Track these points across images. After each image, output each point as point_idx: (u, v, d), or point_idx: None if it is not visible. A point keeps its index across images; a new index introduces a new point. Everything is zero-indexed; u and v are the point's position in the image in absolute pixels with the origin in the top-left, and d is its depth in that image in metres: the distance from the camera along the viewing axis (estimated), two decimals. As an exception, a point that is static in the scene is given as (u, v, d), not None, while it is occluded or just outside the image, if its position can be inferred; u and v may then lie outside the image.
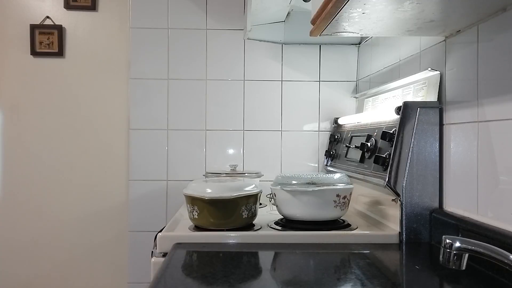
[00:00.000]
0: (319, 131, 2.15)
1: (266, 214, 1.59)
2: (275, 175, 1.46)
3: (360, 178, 1.52)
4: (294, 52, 2.14)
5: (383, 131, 1.33)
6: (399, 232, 1.26)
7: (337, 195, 1.35)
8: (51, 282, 2.37)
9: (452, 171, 1.21)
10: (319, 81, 2.15)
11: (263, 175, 1.89)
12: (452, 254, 0.75)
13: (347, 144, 1.72)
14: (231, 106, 2.14)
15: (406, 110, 1.28)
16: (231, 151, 2.14)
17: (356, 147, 1.56)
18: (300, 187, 1.34)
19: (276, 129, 2.14)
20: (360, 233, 1.32)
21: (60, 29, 2.36)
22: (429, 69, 1.31)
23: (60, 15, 2.37)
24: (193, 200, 1.32)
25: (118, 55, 2.38)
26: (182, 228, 1.38)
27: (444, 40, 1.28)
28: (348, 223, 1.42)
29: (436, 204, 1.26)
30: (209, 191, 1.31)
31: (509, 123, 0.98)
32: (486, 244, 0.73)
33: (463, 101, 1.17)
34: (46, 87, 2.38)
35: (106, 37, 2.39)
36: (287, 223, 1.40)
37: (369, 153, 1.46)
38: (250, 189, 1.35)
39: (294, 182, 1.37)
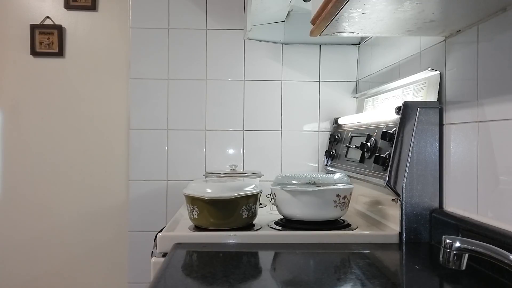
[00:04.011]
0: (319, 131, 2.15)
1: (266, 214, 1.59)
2: (275, 175, 1.46)
3: (360, 178, 1.52)
4: (294, 52, 2.14)
5: (383, 131, 1.33)
6: (399, 232, 1.26)
7: (337, 195, 1.35)
8: (51, 282, 2.37)
9: (452, 171, 1.21)
10: (319, 81, 2.15)
11: (263, 175, 1.89)
12: (452, 254, 0.75)
13: (347, 144, 1.72)
14: (231, 106, 2.14)
15: (406, 110, 1.28)
16: (231, 151, 2.14)
17: (356, 147, 1.56)
18: (300, 187, 1.34)
19: (276, 129, 2.14)
20: (360, 233, 1.32)
21: (60, 29, 2.36)
22: (429, 69, 1.31)
23: (60, 15, 2.37)
24: (193, 200, 1.32)
25: (118, 55, 2.38)
26: (182, 228, 1.38)
27: (444, 40, 1.28)
28: (348, 223, 1.41)
29: (436, 204, 1.26)
30: (209, 191, 1.31)
31: (509, 123, 0.98)
32: (486, 244, 0.73)
33: (463, 101, 1.17)
34: (46, 87, 2.38)
35: (106, 37, 2.39)
36: (287, 223, 1.40)
37: (369, 153, 1.46)
38: (250, 189, 1.35)
39: (294, 182, 1.37)
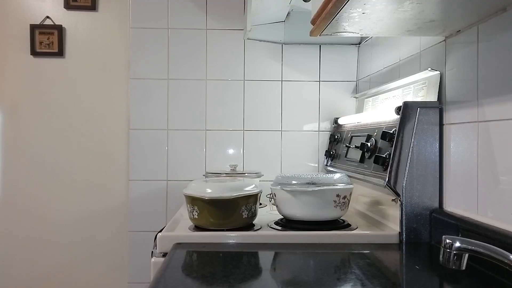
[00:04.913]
0: (319, 131, 2.15)
1: (266, 214, 1.59)
2: (275, 175, 1.46)
3: (360, 178, 1.52)
4: (294, 52, 2.14)
5: (383, 131, 1.33)
6: (399, 232, 1.26)
7: (337, 195, 1.35)
8: (51, 282, 2.37)
9: (452, 171, 1.21)
10: (319, 81, 2.15)
11: (263, 175, 1.89)
12: (452, 254, 0.75)
13: (347, 144, 1.72)
14: (231, 106, 2.14)
15: (406, 110, 1.28)
16: (231, 151, 2.14)
17: (356, 147, 1.56)
18: (300, 187, 1.34)
19: (276, 129, 2.14)
20: (360, 233, 1.32)
21: (60, 29, 2.36)
22: (429, 69, 1.31)
23: (60, 15, 2.37)
24: (193, 200, 1.32)
25: (118, 55, 2.38)
26: (182, 228, 1.38)
27: (444, 40, 1.28)
28: (348, 223, 1.41)
29: (436, 204, 1.26)
30: (209, 191, 1.31)
31: (509, 123, 0.98)
32: (486, 244, 0.73)
33: (463, 101, 1.17)
34: (46, 87, 2.38)
35: (106, 37, 2.39)
36: (287, 223, 1.40)
37: (369, 153, 1.46)
38: (250, 189, 1.35)
39: (294, 182, 1.37)
